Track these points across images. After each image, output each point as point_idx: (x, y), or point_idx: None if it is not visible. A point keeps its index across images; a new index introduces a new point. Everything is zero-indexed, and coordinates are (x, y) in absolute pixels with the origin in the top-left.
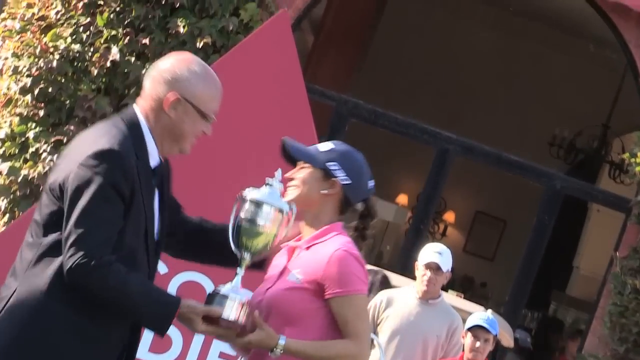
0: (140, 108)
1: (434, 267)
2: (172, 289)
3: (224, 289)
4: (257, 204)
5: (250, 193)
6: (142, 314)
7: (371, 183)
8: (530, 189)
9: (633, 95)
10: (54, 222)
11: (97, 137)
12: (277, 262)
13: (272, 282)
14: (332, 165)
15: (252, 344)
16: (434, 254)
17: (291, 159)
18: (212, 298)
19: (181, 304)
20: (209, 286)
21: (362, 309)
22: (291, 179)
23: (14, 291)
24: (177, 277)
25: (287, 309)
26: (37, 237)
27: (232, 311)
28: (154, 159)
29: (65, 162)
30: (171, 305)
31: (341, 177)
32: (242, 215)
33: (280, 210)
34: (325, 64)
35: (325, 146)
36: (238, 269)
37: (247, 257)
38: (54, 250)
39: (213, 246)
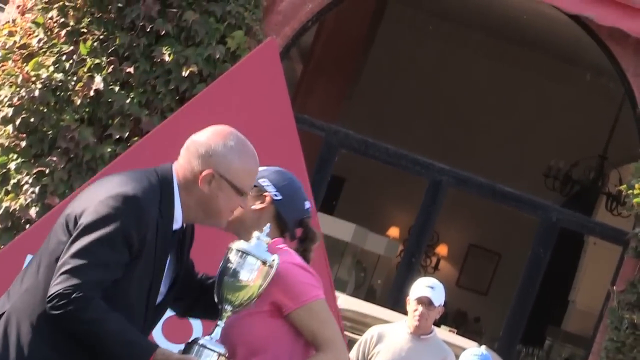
0: (175, 172)
1: (426, 302)
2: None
3: (203, 339)
4: (243, 256)
5: (237, 244)
6: (115, 354)
7: (307, 204)
8: (525, 221)
9: (631, 125)
10: (61, 253)
11: (127, 180)
12: None
13: None
14: (263, 181)
15: None
16: (426, 288)
17: None
18: (190, 347)
19: (157, 351)
20: (196, 325)
21: (326, 314)
22: None
23: (3, 313)
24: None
25: (250, 337)
26: (42, 266)
27: None
28: (177, 223)
29: (86, 197)
30: (146, 349)
31: (272, 192)
32: (227, 266)
33: (264, 263)
34: (315, 93)
35: (262, 170)
36: (219, 321)
37: (228, 310)
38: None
39: (208, 304)
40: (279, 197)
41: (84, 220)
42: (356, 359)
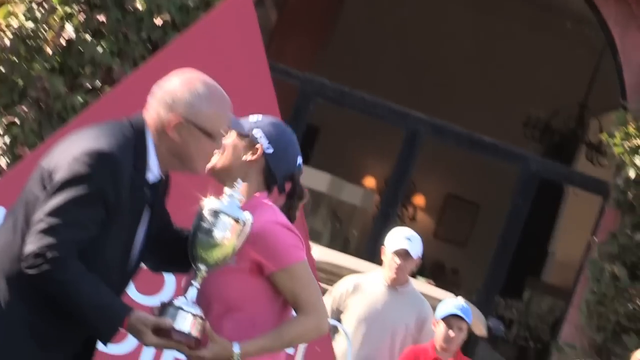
0: (147, 121)
1: (403, 254)
2: None
3: (178, 301)
4: (216, 214)
5: (209, 202)
6: (89, 317)
7: (299, 159)
8: (504, 171)
9: (611, 74)
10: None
11: (101, 135)
12: None
13: None
14: (256, 132)
15: (207, 358)
16: (403, 239)
17: None
18: (165, 309)
19: (131, 315)
20: (168, 277)
21: (308, 277)
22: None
23: None
24: None
25: (228, 294)
26: (19, 222)
27: (185, 324)
28: (152, 174)
29: (60, 152)
30: (120, 313)
31: (264, 144)
32: (200, 225)
33: (238, 221)
34: (290, 42)
35: (254, 117)
36: (193, 281)
37: (202, 270)
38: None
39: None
40: (271, 150)
41: (58, 177)
42: (330, 310)
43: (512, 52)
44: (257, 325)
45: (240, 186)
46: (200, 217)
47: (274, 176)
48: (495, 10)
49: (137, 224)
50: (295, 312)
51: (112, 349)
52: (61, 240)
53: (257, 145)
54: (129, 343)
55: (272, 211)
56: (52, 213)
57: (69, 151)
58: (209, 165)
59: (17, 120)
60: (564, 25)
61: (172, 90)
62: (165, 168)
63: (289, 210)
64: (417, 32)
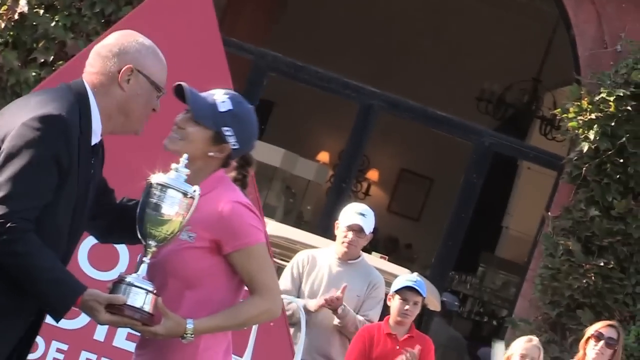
0: (88, 83)
1: (357, 229)
2: None
3: (130, 277)
4: (163, 189)
5: (156, 177)
6: (42, 291)
7: (255, 143)
8: (458, 146)
9: (565, 48)
10: None
11: (46, 100)
12: None
13: None
14: (227, 131)
15: (160, 334)
16: (357, 215)
17: (183, 98)
18: (117, 286)
19: (85, 292)
20: (122, 252)
21: (265, 259)
22: (178, 126)
23: None
24: None
25: (185, 271)
26: None
27: (138, 299)
28: (96, 136)
29: (6, 119)
30: (74, 290)
31: (232, 142)
32: (148, 200)
33: (185, 194)
34: (243, 16)
35: (223, 105)
36: (144, 257)
37: (152, 245)
38: None
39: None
40: (237, 147)
41: (9, 145)
42: (291, 284)
43: (465, 26)
44: (213, 302)
45: (187, 161)
46: (148, 192)
47: (231, 160)
48: None
49: (87, 189)
50: (250, 292)
51: (67, 324)
52: (18, 209)
53: (225, 145)
54: (83, 317)
55: (232, 190)
56: (7, 181)
57: (16, 118)
58: (167, 145)
59: None
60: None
61: (117, 42)
62: (108, 129)
63: (242, 179)
64: (369, 6)
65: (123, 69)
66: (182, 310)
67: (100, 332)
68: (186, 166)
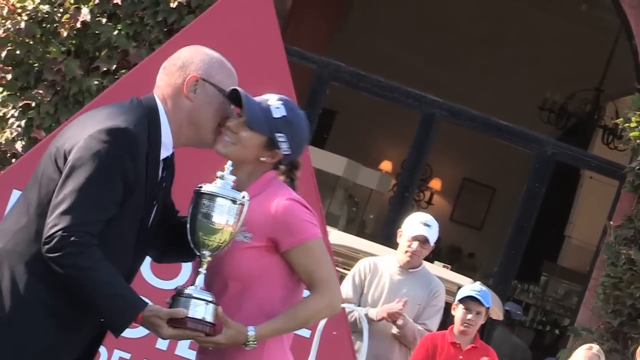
0: (158, 97)
1: (422, 240)
2: None
3: (189, 289)
4: (211, 198)
5: (203, 187)
6: (103, 307)
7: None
8: (520, 155)
9: (627, 58)
10: (53, 191)
11: (115, 113)
12: None
13: None
14: (280, 137)
15: (223, 343)
16: (422, 226)
17: (237, 102)
18: (176, 299)
19: (146, 308)
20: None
21: (322, 253)
22: (231, 130)
23: None
24: None
25: (244, 271)
26: (32, 204)
27: (198, 311)
28: (166, 150)
29: (73, 131)
30: (135, 306)
31: (284, 148)
32: (199, 210)
33: (234, 201)
34: (305, 25)
35: (277, 110)
36: (199, 268)
37: (207, 255)
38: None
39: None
40: (289, 153)
41: (74, 157)
42: (352, 292)
43: (527, 35)
44: (274, 302)
45: (232, 167)
46: (197, 203)
47: (281, 165)
48: None
49: (153, 203)
50: (309, 289)
51: (129, 332)
52: (83, 222)
53: (277, 151)
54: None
55: (286, 189)
56: (72, 193)
57: (84, 130)
58: (219, 149)
59: (32, 103)
60: (579, 8)
61: (183, 56)
62: (179, 141)
63: (290, 182)
64: (431, 15)
65: (187, 79)
66: (244, 312)
67: (163, 341)
68: (232, 172)
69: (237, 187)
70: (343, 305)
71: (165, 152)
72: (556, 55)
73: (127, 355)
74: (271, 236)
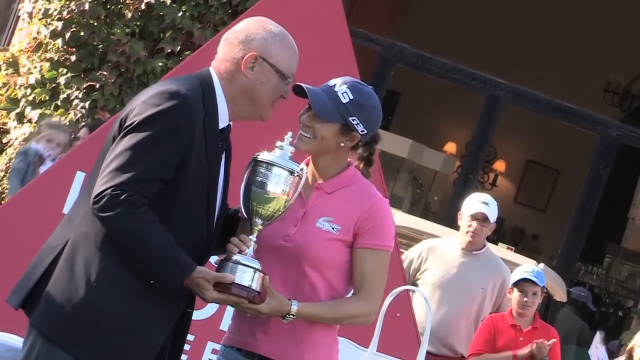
0: (214, 69)
1: (481, 218)
2: None
3: (237, 255)
4: (268, 167)
5: (261, 155)
6: (153, 268)
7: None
8: (584, 137)
9: None
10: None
11: (168, 82)
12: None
13: (294, 225)
14: (353, 120)
15: (264, 313)
16: (481, 204)
17: (303, 93)
18: (224, 264)
19: (195, 269)
20: None
21: (383, 266)
22: (305, 124)
23: (67, 241)
24: None
25: (323, 260)
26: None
27: (245, 277)
28: (223, 121)
29: (130, 106)
30: (185, 267)
31: (360, 130)
32: (255, 178)
33: (291, 172)
34: (370, 7)
35: (344, 95)
36: (251, 236)
37: (258, 223)
38: None
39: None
40: (365, 132)
41: (129, 122)
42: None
43: (591, 17)
44: (334, 290)
45: (291, 139)
46: (253, 170)
47: (361, 143)
48: None
49: (217, 172)
50: (355, 291)
51: (194, 315)
52: (132, 180)
53: (355, 134)
54: (210, 308)
55: (371, 185)
56: (122, 153)
57: (138, 99)
58: (299, 146)
59: (97, 85)
60: None
61: (245, 29)
62: (235, 115)
63: (368, 157)
64: None
65: (247, 56)
66: (307, 292)
67: (227, 323)
68: (306, 163)
69: (322, 175)
70: (406, 287)
71: (222, 123)
72: (620, 38)
73: (191, 337)
74: (355, 231)
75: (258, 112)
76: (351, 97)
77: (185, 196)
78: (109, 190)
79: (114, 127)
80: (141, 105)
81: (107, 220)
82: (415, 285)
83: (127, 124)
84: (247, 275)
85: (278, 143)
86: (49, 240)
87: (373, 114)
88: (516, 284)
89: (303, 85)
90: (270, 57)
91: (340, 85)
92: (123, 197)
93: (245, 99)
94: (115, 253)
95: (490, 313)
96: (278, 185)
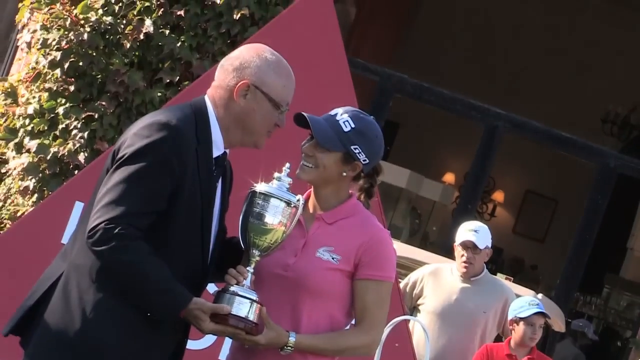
0: (209, 97)
1: (471, 246)
2: None
3: (234, 287)
4: (266, 198)
5: (259, 187)
6: (149, 300)
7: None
8: (582, 167)
9: None
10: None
11: (160, 112)
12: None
13: (294, 255)
14: (355, 149)
15: (262, 344)
16: (469, 232)
17: (304, 124)
18: (221, 295)
19: (191, 301)
20: None
21: (385, 297)
22: (307, 154)
23: (62, 273)
24: None
25: (323, 289)
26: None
27: (242, 309)
28: (217, 149)
29: (123, 137)
30: (181, 299)
31: (362, 159)
32: (252, 209)
33: (289, 204)
34: (369, 37)
35: (346, 124)
36: (249, 267)
37: (256, 255)
38: None
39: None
40: (367, 162)
41: (120, 154)
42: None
43: (589, 47)
44: (334, 320)
45: (289, 170)
46: (251, 201)
47: (362, 175)
48: (573, 7)
49: (210, 199)
50: (356, 323)
51: (192, 344)
52: (125, 213)
53: (357, 163)
54: (208, 338)
55: (373, 217)
56: (114, 186)
57: (130, 131)
58: (301, 176)
59: (95, 115)
60: None
61: (240, 55)
62: (230, 143)
63: (369, 189)
64: (495, 27)
65: (239, 84)
66: (304, 323)
67: (226, 352)
68: (305, 198)
69: (324, 205)
70: (405, 317)
71: (216, 151)
72: (618, 67)
73: None
74: (356, 262)
75: (252, 140)
76: (353, 125)
77: (179, 227)
78: (102, 225)
79: (108, 159)
80: (132, 137)
81: (102, 254)
82: (417, 310)
83: (118, 156)
84: (244, 306)
85: (276, 174)
86: (45, 271)
87: (375, 143)
88: (525, 319)
89: (305, 114)
90: (264, 86)
91: (342, 114)
92: (117, 230)
93: (239, 127)
94: (110, 285)
95: (497, 333)
96: (275, 217)
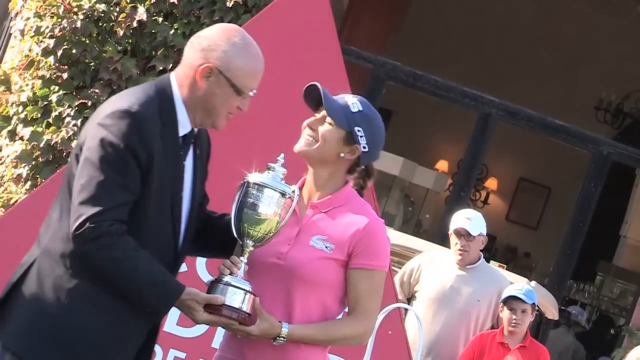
0: (176, 75)
1: (464, 233)
2: None
3: (227, 277)
4: (259, 189)
5: (253, 177)
6: (142, 294)
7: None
8: (575, 155)
9: None
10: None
11: (121, 97)
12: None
13: (288, 244)
14: (359, 131)
15: (254, 334)
16: (463, 219)
17: (313, 102)
18: (215, 286)
19: (184, 291)
20: None
21: (378, 287)
22: (310, 127)
23: (35, 260)
24: None
25: (316, 279)
26: (64, 204)
27: (236, 299)
28: (183, 128)
29: (88, 125)
30: (174, 290)
31: (363, 144)
32: (246, 200)
33: (283, 194)
34: (362, 25)
35: (354, 105)
36: (242, 257)
37: (250, 245)
38: None
39: (216, 240)
40: (367, 150)
41: (87, 146)
42: (399, 285)
43: (584, 36)
44: (327, 309)
45: (283, 160)
46: (245, 192)
47: (357, 167)
48: None
49: (179, 180)
50: (349, 312)
51: (185, 332)
52: (106, 208)
53: (357, 146)
54: (202, 326)
55: (367, 205)
56: (88, 182)
57: (94, 119)
58: (301, 148)
59: (89, 102)
60: (635, 8)
61: (209, 36)
62: (196, 122)
63: (359, 190)
64: (487, 16)
65: (203, 66)
66: (298, 312)
67: (219, 341)
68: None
69: (319, 191)
70: (398, 305)
71: (182, 130)
72: (612, 55)
73: (183, 355)
74: (349, 251)
75: (211, 121)
76: (361, 108)
77: (150, 209)
78: (86, 224)
79: (77, 147)
80: (95, 128)
81: (90, 252)
82: (414, 297)
83: (85, 147)
84: (237, 297)
85: (270, 165)
86: (22, 259)
87: (377, 132)
88: (505, 302)
89: (318, 85)
90: (228, 71)
91: (352, 97)
92: (103, 227)
93: (200, 107)
94: (84, 273)
95: (492, 324)
96: (269, 207)
